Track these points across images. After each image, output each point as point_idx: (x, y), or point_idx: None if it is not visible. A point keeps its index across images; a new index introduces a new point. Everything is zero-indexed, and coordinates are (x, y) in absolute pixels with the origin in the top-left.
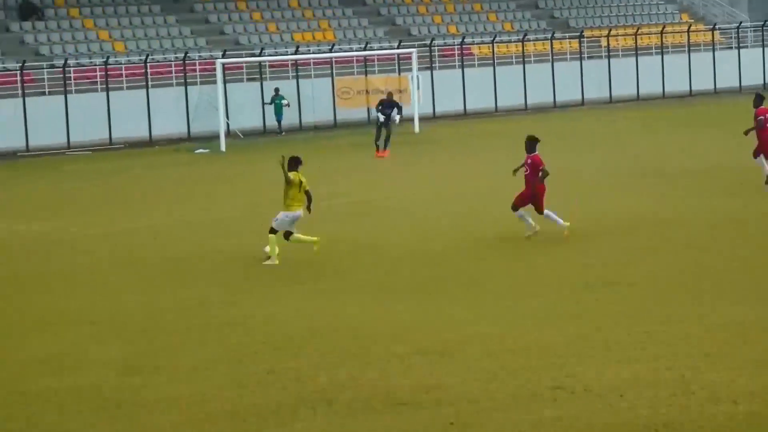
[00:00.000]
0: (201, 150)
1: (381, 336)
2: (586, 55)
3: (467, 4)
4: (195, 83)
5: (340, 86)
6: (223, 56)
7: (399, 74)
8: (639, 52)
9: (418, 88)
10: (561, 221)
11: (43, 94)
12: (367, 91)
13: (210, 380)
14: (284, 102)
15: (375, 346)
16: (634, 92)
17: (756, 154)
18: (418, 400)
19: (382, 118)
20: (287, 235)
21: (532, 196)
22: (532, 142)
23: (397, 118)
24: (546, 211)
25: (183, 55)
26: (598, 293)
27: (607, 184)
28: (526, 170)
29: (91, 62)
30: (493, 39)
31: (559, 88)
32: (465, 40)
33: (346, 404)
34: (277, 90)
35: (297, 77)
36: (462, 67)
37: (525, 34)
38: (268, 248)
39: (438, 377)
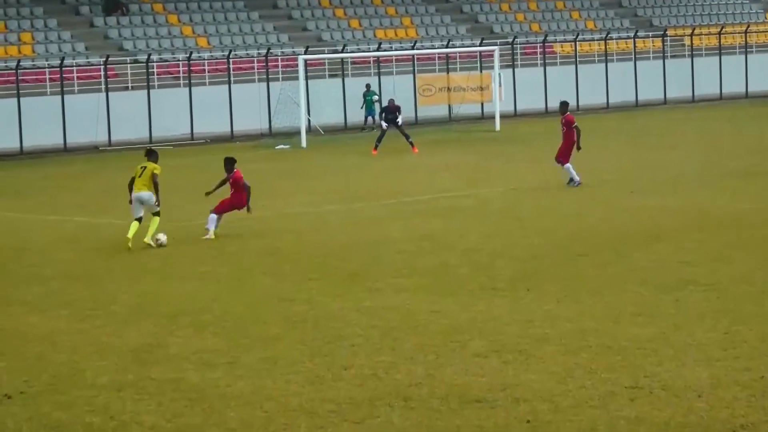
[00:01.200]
0: (282, 146)
1: (459, 333)
2: (669, 54)
3: (550, 2)
4: (277, 79)
5: (422, 83)
6: (306, 52)
7: (481, 72)
8: (722, 51)
9: (500, 85)
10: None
11: (126, 89)
12: (448, 89)
13: (287, 375)
14: (375, 98)
15: (452, 343)
16: (717, 92)
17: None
18: (494, 398)
19: (385, 125)
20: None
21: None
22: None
23: (400, 119)
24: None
25: (265, 51)
26: (680, 292)
27: (698, 182)
28: (563, 128)
29: (174, 57)
30: (576, 37)
31: (641, 87)
32: (547, 38)
33: (422, 401)
34: (368, 86)
35: (379, 74)
36: (544, 65)
37: (608, 33)
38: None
39: (515, 375)
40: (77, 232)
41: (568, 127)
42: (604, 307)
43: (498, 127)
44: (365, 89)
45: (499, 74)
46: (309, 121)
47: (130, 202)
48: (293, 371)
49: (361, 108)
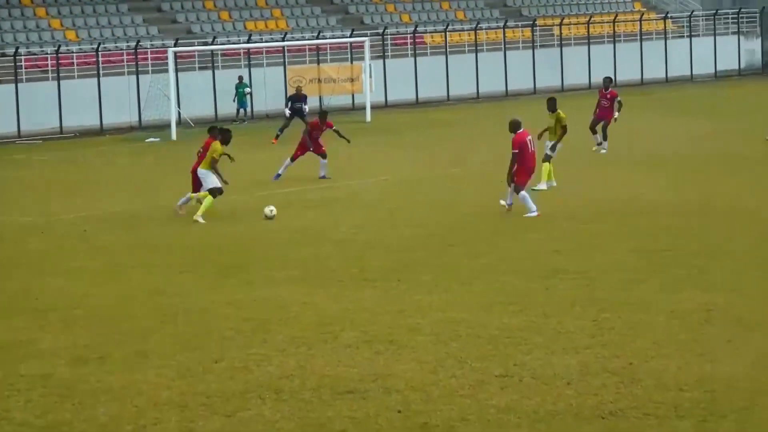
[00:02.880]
0: (152, 139)
1: (331, 324)
2: (538, 44)
3: None
4: (147, 72)
5: (293, 75)
6: (175, 45)
7: (351, 63)
8: (591, 40)
9: (371, 76)
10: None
11: None
12: (319, 80)
13: (158, 369)
14: (247, 90)
15: (324, 335)
16: (585, 81)
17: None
18: (365, 389)
19: (288, 113)
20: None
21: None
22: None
23: (306, 108)
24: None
25: (135, 43)
26: (550, 281)
27: (569, 171)
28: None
29: (42, 51)
30: (446, 27)
31: (511, 76)
32: (417, 28)
33: (294, 393)
34: (240, 78)
35: (249, 66)
36: (414, 55)
37: (478, 23)
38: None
39: (386, 365)
40: None
41: (611, 101)
42: (475, 297)
43: (369, 117)
44: (237, 81)
45: (370, 65)
46: (179, 113)
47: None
48: (164, 365)
49: (234, 100)
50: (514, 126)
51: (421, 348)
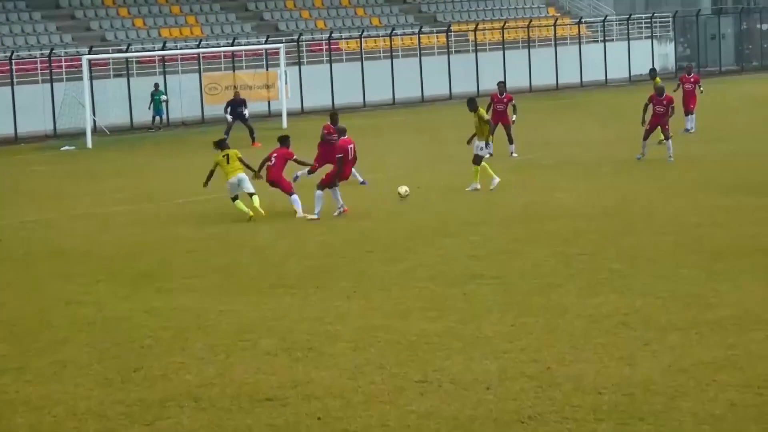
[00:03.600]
0: (67, 147)
1: (249, 332)
2: (453, 50)
3: None
4: (61, 80)
5: (208, 82)
6: (90, 53)
7: (267, 69)
8: (506, 46)
9: (286, 83)
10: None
11: None
12: (235, 87)
13: (76, 379)
14: (163, 97)
15: (243, 342)
16: None
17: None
18: (285, 396)
19: (230, 118)
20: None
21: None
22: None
23: (246, 112)
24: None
25: (49, 51)
26: (468, 286)
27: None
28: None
29: None
30: (361, 34)
31: (427, 82)
32: (333, 35)
33: (213, 401)
34: (156, 85)
35: (164, 73)
36: (330, 62)
37: (392, 29)
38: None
39: (305, 372)
40: None
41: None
42: (393, 303)
43: (285, 124)
44: (153, 89)
45: (285, 72)
46: (94, 121)
47: (205, 185)
48: (82, 374)
49: (149, 107)
50: (342, 131)
51: (340, 355)
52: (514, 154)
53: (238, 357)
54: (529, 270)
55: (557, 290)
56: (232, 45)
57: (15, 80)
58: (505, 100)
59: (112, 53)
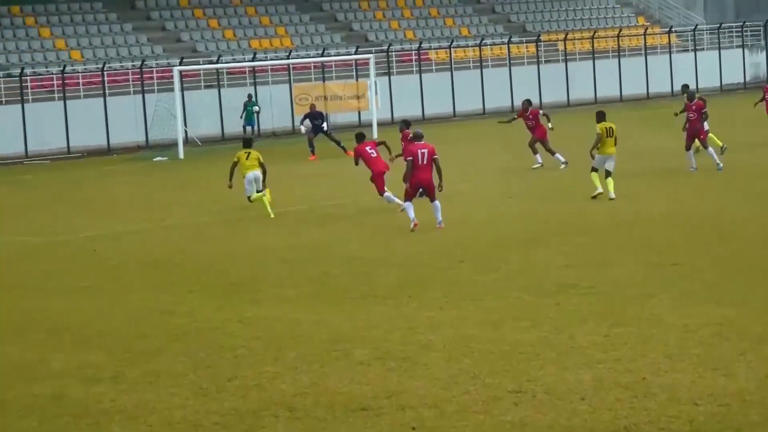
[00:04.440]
0: (159, 158)
1: (342, 342)
2: (543, 59)
3: (424, 9)
4: (152, 91)
5: (298, 93)
6: (180, 64)
7: (357, 80)
8: (596, 55)
9: (376, 93)
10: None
11: (0, 103)
12: (325, 97)
13: (170, 388)
14: (255, 108)
15: (336, 352)
16: (591, 96)
17: None
18: (379, 406)
19: (304, 129)
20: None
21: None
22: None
23: (326, 125)
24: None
25: (140, 63)
26: (560, 296)
27: (576, 185)
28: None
29: (48, 71)
30: (450, 44)
31: (516, 92)
32: (422, 45)
33: (307, 410)
34: (250, 96)
35: (255, 84)
36: (419, 72)
37: (482, 39)
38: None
39: (399, 382)
40: None
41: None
42: (486, 313)
43: (375, 134)
44: (247, 99)
45: (375, 82)
46: (186, 132)
47: (230, 186)
48: (177, 384)
49: (241, 117)
50: (416, 136)
51: (433, 364)
52: (562, 165)
53: (332, 367)
54: (622, 279)
55: (651, 300)
56: (322, 55)
57: (107, 92)
58: (530, 116)
59: (203, 64)
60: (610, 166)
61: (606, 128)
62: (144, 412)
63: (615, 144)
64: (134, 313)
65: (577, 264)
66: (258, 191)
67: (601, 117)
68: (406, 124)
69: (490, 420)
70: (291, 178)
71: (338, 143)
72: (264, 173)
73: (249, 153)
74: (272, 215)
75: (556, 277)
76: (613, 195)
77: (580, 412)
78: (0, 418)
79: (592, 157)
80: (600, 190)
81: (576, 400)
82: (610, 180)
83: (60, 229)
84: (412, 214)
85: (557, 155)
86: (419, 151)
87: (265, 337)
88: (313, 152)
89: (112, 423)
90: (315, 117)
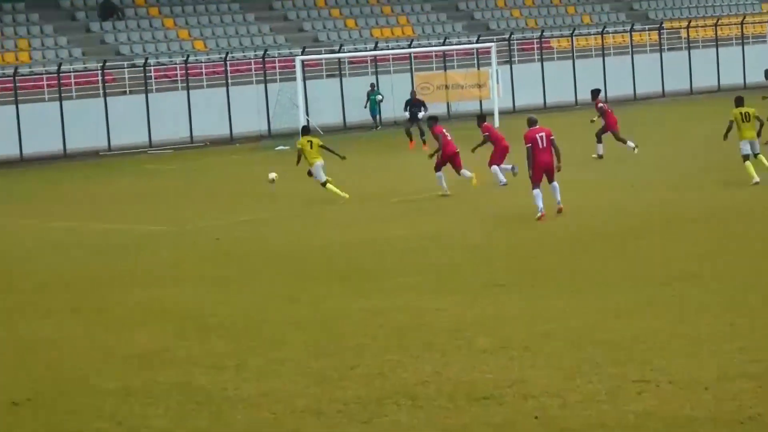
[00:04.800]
0: (281, 147)
1: (465, 330)
2: (666, 47)
3: None
4: (275, 80)
5: (420, 81)
6: (303, 53)
7: (478, 68)
8: (719, 43)
9: (498, 82)
10: None
11: (124, 93)
12: (446, 86)
13: (293, 376)
14: (378, 97)
15: (458, 341)
16: (714, 84)
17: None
18: (501, 395)
19: (408, 115)
20: (324, 183)
21: None
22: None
23: (420, 114)
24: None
25: (262, 52)
26: (684, 285)
27: (699, 173)
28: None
29: (171, 61)
30: (572, 32)
31: (639, 80)
32: (544, 33)
33: (429, 399)
34: (373, 85)
35: (377, 73)
36: (541, 60)
37: (604, 27)
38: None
39: (521, 371)
40: (82, 238)
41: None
42: (609, 302)
43: (497, 123)
44: (369, 89)
45: (497, 71)
46: (308, 121)
47: (309, 173)
48: (300, 372)
49: (365, 107)
50: (530, 122)
51: (556, 354)
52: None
53: (454, 355)
54: (746, 269)
55: None
56: (444, 44)
57: (230, 81)
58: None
59: (325, 54)
60: (755, 148)
61: (742, 113)
62: (267, 400)
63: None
64: (258, 301)
65: (699, 253)
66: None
67: (739, 102)
68: (482, 119)
69: (614, 410)
70: (411, 168)
71: (422, 134)
72: (330, 151)
73: (311, 141)
74: (346, 195)
75: (678, 265)
76: (757, 179)
77: (704, 402)
78: (126, 406)
79: (725, 137)
80: (757, 179)
81: (700, 389)
82: (757, 159)
83: (183, 218)
84: (540, 202)
85: (630, 143)
86: (537, 135)
87: (388, 326)
88: (411, 139)
89: (235, 411)
90: (414, 105)
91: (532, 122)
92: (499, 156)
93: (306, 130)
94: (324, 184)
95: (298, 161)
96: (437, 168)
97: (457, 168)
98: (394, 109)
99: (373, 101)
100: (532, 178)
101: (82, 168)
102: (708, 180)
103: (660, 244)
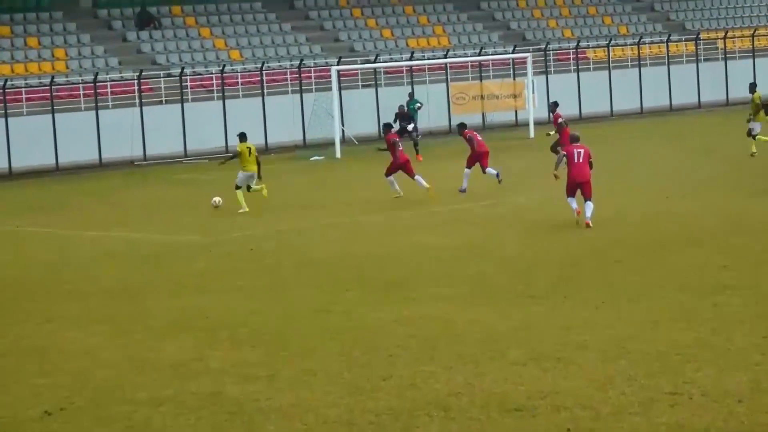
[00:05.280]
0: (316, 157)
1: (497, 341)
2: (702, 58)
3: (582, 8)
4: (310, 90)
5: (455, 92)
6: (338, 63)
7: (514, 79)
8: (756, 53)
9: (534, 92)
10: None
11: (160, 103)
12: (482, 97)
13: (326, 387)
14: (417, 105)
15: (491, 352)
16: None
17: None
18: (534, 406)
19: (409, 127)
20: (249, 187)
21: None
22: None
23: (410, 127)
24: None
25: (298, 62)
26: (718, 297)
27: (734, 185)
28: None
29: (207, 71)
30: (609, 42)
31: (675, 91)
32: (580, 43)
33: (462, 410)
34: (410, 94)
35: (412, 83)
36: (577, 71)
37: (640, 38)
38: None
39: (554, 383)
40: (115, 247)
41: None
42: (642, 313)
43: (532, 134)
44: (408, 98)
45: (533, 81)
46: (343, 131)
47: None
48: (332, 383)
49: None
50: (572, 138)
51: (588, 365)
52: None
53: (487, 366)
54: None
55: None
56: (479, 54)
57: (265, 91)
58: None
59: (361, 64)
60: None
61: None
62: (299, 411)
63: None
64: (290, 311)
65: (734, 265)
66: (248, 185)
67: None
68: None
69: (646, 422)
70: (445, 178)
71: (416, 145)
72: (258, 167)
73: (250, 149)
74: (247, 209)
75: (713, 277)
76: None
77: (737, 415)
78: (157, 416)
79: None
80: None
81: (733, 402)
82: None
83: (217, 228)
84: (574, 204)
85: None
86: (576, 150)
87: (420, 337)
88: (417, 153)
89: (267, 421)
90: (402, 119)
91: (573, 139)
92: (473, 161)
93: (244, 137)
94: (237, 188)
95: (225, 162)
96: (468, 165)
97: (484, 167)
98: (429, 119)
99: (412, 109)
100: (566, 190)
101: (116, 177)
102: (743, 191)
103: (694, 255)
